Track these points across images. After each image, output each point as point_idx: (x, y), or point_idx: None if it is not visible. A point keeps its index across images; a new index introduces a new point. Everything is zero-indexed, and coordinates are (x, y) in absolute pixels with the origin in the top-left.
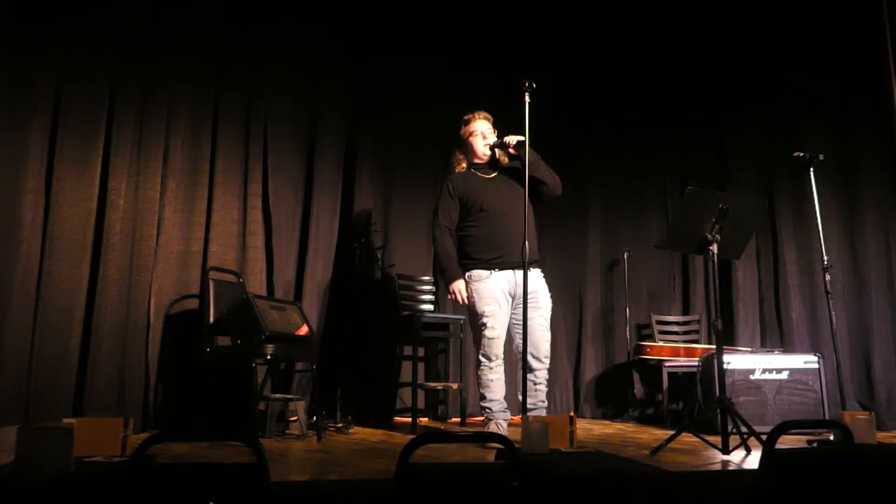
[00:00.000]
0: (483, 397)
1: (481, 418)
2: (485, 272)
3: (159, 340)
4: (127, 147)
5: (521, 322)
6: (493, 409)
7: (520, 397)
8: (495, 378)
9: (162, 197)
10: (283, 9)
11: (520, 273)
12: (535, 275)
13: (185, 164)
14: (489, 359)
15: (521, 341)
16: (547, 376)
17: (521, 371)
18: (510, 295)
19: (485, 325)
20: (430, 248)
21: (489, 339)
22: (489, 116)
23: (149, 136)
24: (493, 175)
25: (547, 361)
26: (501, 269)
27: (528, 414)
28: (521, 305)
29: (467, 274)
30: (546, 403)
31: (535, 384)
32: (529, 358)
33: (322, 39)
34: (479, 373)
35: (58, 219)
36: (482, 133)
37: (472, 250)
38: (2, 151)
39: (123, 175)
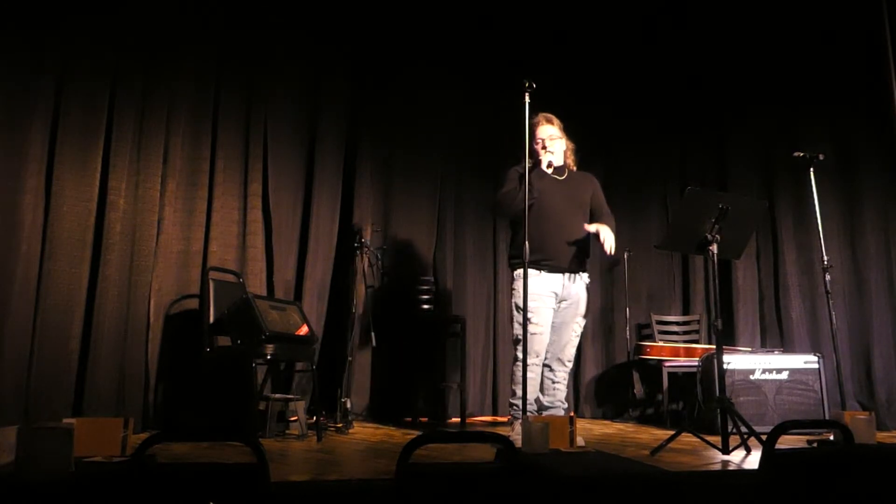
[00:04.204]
0: (514, 394)
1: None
2: (533, 271)
3: (159, 340)
4: (127, 147)
5: (555, 323)
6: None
7: (540, 395)
8: (530, 377)
9: (162, 197)
10: (284, 9)
11: (568, 276)
12: (581, 281)
13: (185, 164)
14: (527, 355)
15: (551, 340)
16: (566, 377)
17: (538, 371)
18: (556, 296)
19: (529, 319)
20: (431, 248)
21: (531, 334)
22: (551, 118)
23: (149, 136)
24: (563, 178)
25: (570, 365)
26: (551, 271)
27: (546, 412)
28: (559, 308)
29: (515, 273)
30: (566, 405)
31: (554, 383)
32: (554, 361)
33: (322, 39)
34: (514, 368)
35: (58, 219)
36: (543, 142)
37: (523, 247)
38: (2, 151)
39: (123, 175)
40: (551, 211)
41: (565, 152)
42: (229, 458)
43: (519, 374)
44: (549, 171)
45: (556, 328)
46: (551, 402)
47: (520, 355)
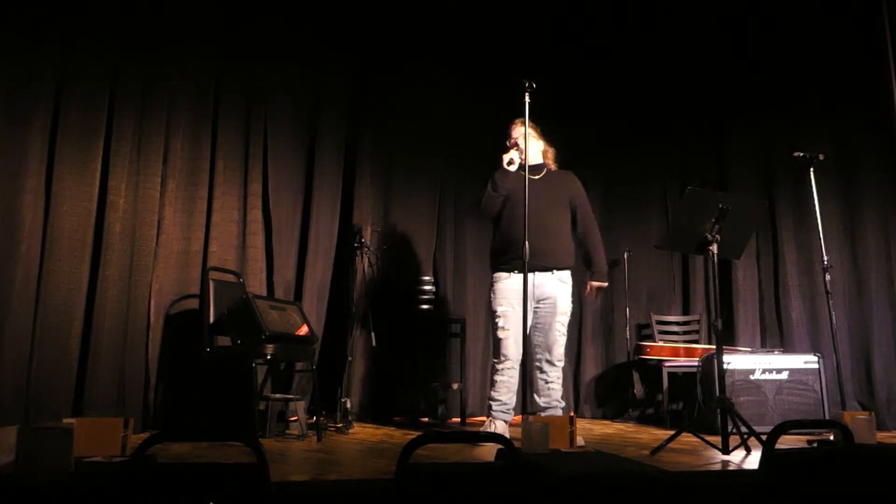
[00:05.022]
0: (490, 395)
1: (482, 418)
2: (504, 273)
3: (159, 340)
4: (127, 147)
5: (542, 325)
6: (494, 408)
7: (534, 396)
8: (501, 380)
9: (162, 197)
10: (284, 9)
11: (540, 276)
12: (556, 279)
13: (185, 164)
14: (498, 358)
15: (537, 342)
16: (560, 376)
17: (531, 372)
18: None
19: (496, 324)
20: (431, 248)
21: (499, 338)
22: (522, 121)
23: (149, 136)
24: (538, 177)
25: (560, 364)
26: (521, 271)
27: (544, 413)
28: (539, 309)
29: (493, 275)
30: (563, 403)
31: (548, 383)
32: (544, 362)
33: (322, 39)
34: (491, 371)
35: (58, 219)
36: (515, 140)
37: (498, 250)
38: (2, 151)
39: (123, 175)
40: (520, 211)
41: (544, 152)
42: (229, 458)
43: (492, 376)
44: (512, 168)
45: (541, 330)
46: (548, 403)
47: (493, 358)
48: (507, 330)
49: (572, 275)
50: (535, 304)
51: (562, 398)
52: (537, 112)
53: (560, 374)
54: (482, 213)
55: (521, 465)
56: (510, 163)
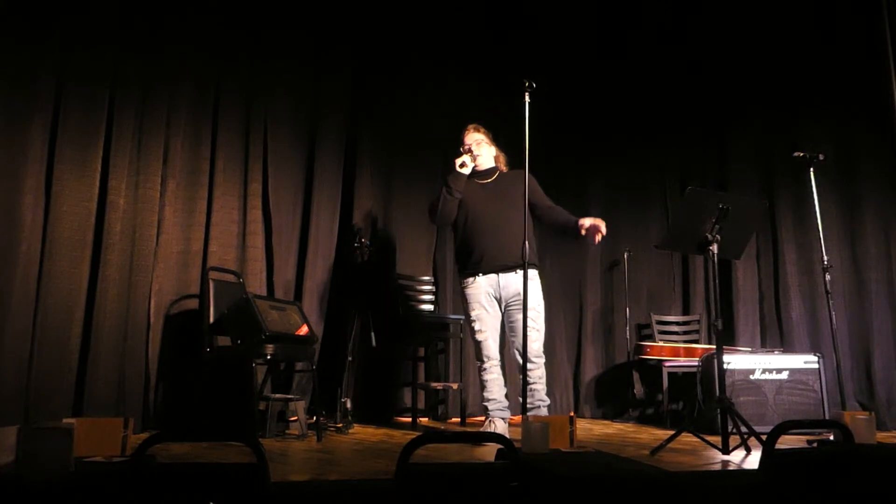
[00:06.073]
0: (483, 397)
1: (482, 418)
2: (470, 278)
3: (159, 340)
4: (127, 147)
5: (513, 324)
6: (490, 408)
7: (521, 398)
8: (490, 378)
9: (162, 197)
10: (284, 9)
11: (504, 276)
12: (520, 277)
13: (185, 164)
14: (481, 360)
15: (514, 342)
16: (542, 374)
17: (519, 372)
18: (495, 298)
19: (473, 328)
20: (431, 248)
21: (478, 341)
22: (479, 128)
23: (149, 136)
24: (490, 180)
25: (539, 361)
26: (484, 273)
27: (528, 413)
28: (510, 308)
29: (462, 282)
30: (548, 401)
31: (530, 383)
32: (521, 359)
33: (322, 39)
34: (478, 373)
35: (58, 219)
36: (469, 147)
37: (460, 257)
38: (2, 151)
39: (123, 175)
40: (477, 214)
41: (496, 157)
42: (229, 458)
43: (480, 378)
44: (465, 171)
45: (514, 329)
46: (532, 403)
47: (477, 361)
48: (485, 332)
49: (538, 273)
50: (503, 305)
51: (546, 395)
52: (536, 111)
53: (542, 371)
54: (438, 218)
55: (521, 465)
56: (462, 165)
